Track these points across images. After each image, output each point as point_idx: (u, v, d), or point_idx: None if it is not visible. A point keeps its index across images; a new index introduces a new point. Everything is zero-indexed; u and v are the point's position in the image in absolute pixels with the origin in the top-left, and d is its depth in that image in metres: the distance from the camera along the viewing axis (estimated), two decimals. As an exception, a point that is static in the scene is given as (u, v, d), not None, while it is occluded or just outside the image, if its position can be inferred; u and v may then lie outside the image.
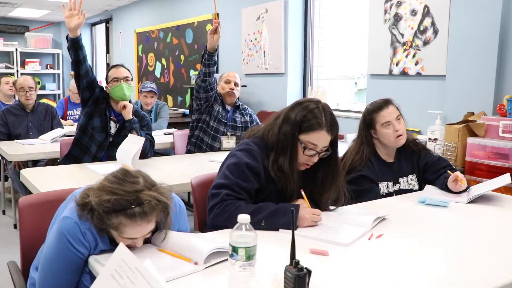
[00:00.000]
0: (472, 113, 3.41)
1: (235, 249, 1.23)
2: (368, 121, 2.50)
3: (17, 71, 10.08)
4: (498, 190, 2.44)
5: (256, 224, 1.71)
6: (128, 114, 3.29)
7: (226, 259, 1.40)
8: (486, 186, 2.36)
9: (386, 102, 2.50)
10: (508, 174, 2.38)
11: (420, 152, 2.58)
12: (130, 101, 3.38)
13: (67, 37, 3.03)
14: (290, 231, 1.27)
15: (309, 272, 1.16)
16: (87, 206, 1.48)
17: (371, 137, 2.51)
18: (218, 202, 1.83)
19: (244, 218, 1.25)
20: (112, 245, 1.56)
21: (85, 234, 1.49)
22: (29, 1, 8.31)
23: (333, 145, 1.95)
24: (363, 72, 4.58)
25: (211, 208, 1.85)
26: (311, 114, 1.87)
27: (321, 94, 5.18)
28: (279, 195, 1.95)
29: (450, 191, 2.38)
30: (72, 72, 3.17)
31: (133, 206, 1.45)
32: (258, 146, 1.96)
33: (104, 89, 3.33)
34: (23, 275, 1.79)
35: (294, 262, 1.15)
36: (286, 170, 1.89)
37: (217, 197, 1.85)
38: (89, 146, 3.28)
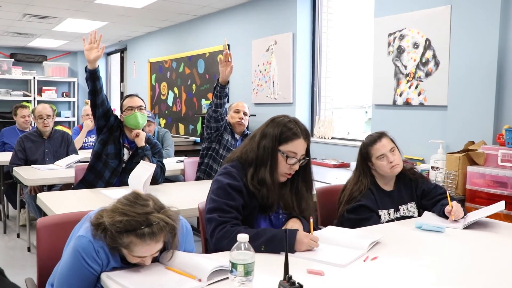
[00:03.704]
0: (473, 142, 3.52)
1: (234, 266, 1.35)
2: (365, 154, 2.63)
3: (34, 98, 10.37)
4: (497, 217, 2.53)
5: (257, 248, 1.83)
6: (141, 142, 3.44)
7: (228, 277, 1.52)
8: (482, 212, 2.45)
9: (380, 136, 2.63)
10: (503, 201, 2.47)
11: (418, 180, 2.69)
12: (143, 129, 3.54)
13: (85, 68, 3.20)
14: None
15: (301, 286, 1.27)
16: (100, 226, 1.61)
17: (369, 169, 2.63)
18: (216, 226, 1.97)
19: (243, 237, 1.37)
20: (122, 263, 1.68)
21: (98, 252, 1.62)
22: (48, 32, 8.63)
23: (307, 153, 2.15)
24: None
25: (212, 232, 1.99)
26: (287, 127, 2.10)
27: (328, 123, 5.32)
28: (262, 209, 2.11)
29: (447, 218, 2.47)
30: (88, 100, 3.33)
31: (143, 227, 1.57)
32: (236, 167, 2.13)
33: (119, 117, 3.49)
34: (39, 291, 1.91)
35: (287, 277, 1.27)
36: (267, 180, 2.05)
37: (212, 221, 1.99)
38: (102, 172, 3.42)
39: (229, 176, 2.08)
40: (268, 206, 2.10)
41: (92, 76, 3.18)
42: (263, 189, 2.06)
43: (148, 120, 5.11)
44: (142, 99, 3.55)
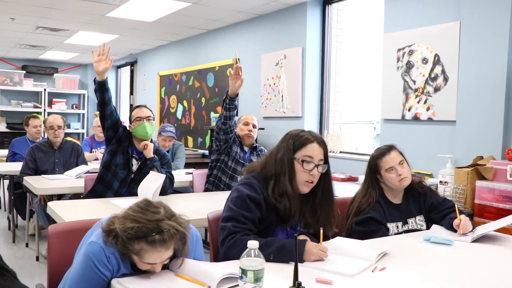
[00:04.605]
0: (481, 157, 3.52)
1: (244, 272, 1.36)
2: (373, 167, 2.64)
3: (44, 110, 10.48)
4: (506, 231, 2.52)
5: (265, 258, 1.84)
6: (149, 153, 3.46)
7: (237, 285, 1.53)
8: (491, 226, 2.44)
9: (389, 148, 2.63)
10: (512, 215, 2.47)
11: (426, 194, 2.69)
12: (151, 140, 3.57)
13: (94, 80, 3.25)
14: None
15: (310, 293, 1.28)
16: (112, 233, 1.63)
17: (378, 181, 2.64)
18: (227, 235, 1.99)
19: (253, 244, 1.39)
20: (133, 270, 1.69)
21: (109, 258, 1.63)
22: (60, 45, 8.74)
23: (326, 162, 2.16)
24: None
25: (222, 241, 2.00)
26: (298, 136, 2.14)
27: (336, 138, 5.33)
28: (279, 223, 2.11)
29: (455, 231, 2.46)
30: (97, 112, 3.37)
31: (154, 234, 1.59)
32: (257, 179, 2.14)
33: (127, 128, 3.52)
34: (50, 297, 1.93)
35: (296, 283, 1.28)
36: (288, 190, 2.06)
37: (225, 230, 2.00)
38: (111, 182, 3.45)
39: (250, 187, 2.10)
40: (289, 217, 2.10)
41: (101, 88, 3.23)
42: (284, 200, 2.07)
43: (169, 136, 5.17)
44: (150, 110, 3.59)
